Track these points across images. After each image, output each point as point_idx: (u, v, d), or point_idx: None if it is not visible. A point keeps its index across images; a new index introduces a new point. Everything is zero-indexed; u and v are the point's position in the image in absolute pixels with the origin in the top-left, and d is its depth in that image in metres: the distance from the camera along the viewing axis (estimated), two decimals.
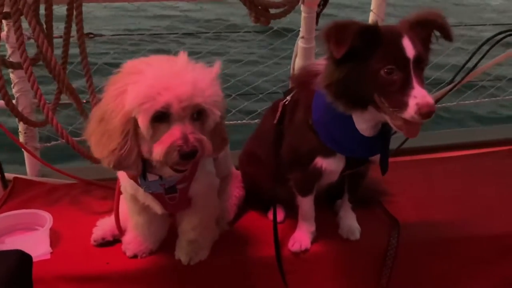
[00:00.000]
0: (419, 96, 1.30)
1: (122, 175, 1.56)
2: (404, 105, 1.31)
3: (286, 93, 1.76)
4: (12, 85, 2.37)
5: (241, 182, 1.97)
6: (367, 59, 1.34)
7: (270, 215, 1.92)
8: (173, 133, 1.27)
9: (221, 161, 1.75)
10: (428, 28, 1.42)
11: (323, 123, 1.55)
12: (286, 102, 1.72)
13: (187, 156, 1.27)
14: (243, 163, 2.01)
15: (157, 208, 1.58)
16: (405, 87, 1.32)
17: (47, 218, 1.79)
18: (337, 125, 1.52)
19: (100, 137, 1.32)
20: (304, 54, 2.47)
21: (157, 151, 1.27)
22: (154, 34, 3.17)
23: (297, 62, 2.53)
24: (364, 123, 1.50)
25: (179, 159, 1.26)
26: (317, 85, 1.51)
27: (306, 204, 1.76)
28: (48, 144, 2.57)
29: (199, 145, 1.29)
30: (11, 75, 2.36)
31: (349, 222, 1.84)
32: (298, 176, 1.72)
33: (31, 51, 1.91)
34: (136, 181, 1.50)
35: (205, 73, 1.33)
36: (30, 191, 2.16)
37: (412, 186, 2.13)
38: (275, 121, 1.73)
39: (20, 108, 2.35)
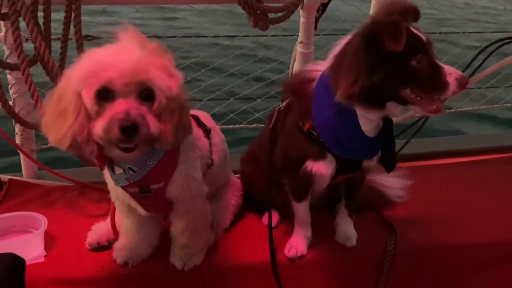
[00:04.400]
0: (452, 72, 1.36)
1: (106, 174, 1.54)
2: (444, 85, 1.36)
3: (282, 100, 1.76)
4: (9, 86, 2.37)
5: (239, 191, 1.97)
6: (395, 56, 1.34)
7: (264, 219, 1.93)
8: (115, 108, 1.26)
9: (217, 169, 1.74)
10: (407, 14, 1.44)
11: (328, 128, 1.55)
12: (281, 108, 1.74)
13: (128, 130, 1.24)
14: (243, 162, 2.03)
15: (139, 208, 1.57)
16: (436, 70, 1.37)
17: (42, 220, 1.78)
18: (343, 129, 1.53)
19: (54, 119, 1.32)
20: (303, 59, 2.47)
21: (98, 127, 1.26)
22: (157, 36, 3.16)
23: (296, 67, 2.53)
24: (369, 123, 1.52)
25: (119, 133, 1.24)
26: (319, 89, 1.51)
27: (301, 209, 1.76)
28: (44, 146, 2.56)
29: (142, 120, 1.26)
30: (8, 76, 2.35)
31: (346, 228, 1.83)
32: (291, 181, 1.73)
33: (29, 53, 1.91)
34: (110, 173, 1.48)
35: (155, 51, 1.33)
36: (25, 193, 2.14)
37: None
38: (270, 126, 1.75)
39: (17, 110, 2.34)
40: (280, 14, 2.05)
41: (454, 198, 2.18)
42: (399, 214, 2.01)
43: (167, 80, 1.32)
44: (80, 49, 1.90)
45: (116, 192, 1.57)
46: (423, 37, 1.39)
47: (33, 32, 1.66)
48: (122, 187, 1.49)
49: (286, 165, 1.69)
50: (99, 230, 1.78)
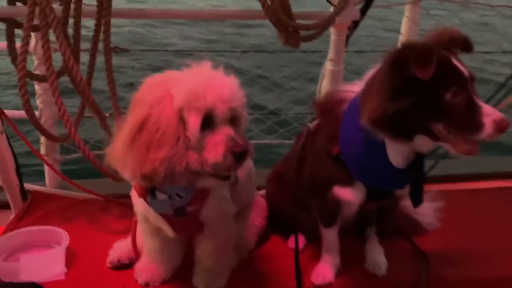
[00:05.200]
0: (491, 113, 1.24)
1: (133, 194, 1.50)
2: (479, 126, 1.24)
3: (312, 120, 1.71)
4: (36, 96, 2.37)
5: (264, 211, 1.91)
6: (426, 85, 1.25)
7: (290, 242, 1.87)
8: (222, 136, 1.24)
9: (241, 187, 1.68)
10: (454, 45, 1.35)
11: (353, 154, 1.48)
12: (311, 128, 1.68)
13: (240, 157, 1.24)
14: (270, 181, 1.97)
15: (168, 230, 1.52)
16: (473, 108, 1.26)
17: (64, 236, 1.74)
18: (369, 157, 1.46)
19: (145, 150, 1.22)
20: (332, 77, 2.41)
21: (213, 155, 1.23)
22: (180, 50, 3.15)
23: (324, 85, 2.47)
24: (399, 155, 1.43)
25: (233, 161, 1.23)
26: (349, 112, 1.44)
27: (329, 235, 1.69)
28: (69, 157, 2.55)
29: (247, 145, 1.26)
30: (36, 86, 2.36)
31: (376, 256, 1.75)
32: (319, 205, 1.66)
33: (57, 64, 1.89)
34: (145, 200, 1.44)
35: (232, 78, 1.31)
36: (48, 206, 2.12)
37: (442, 220, 2.02)
38: (298, 147, 1.69)
39: (43, 120, 2.35)
40: (312, 32, 1.99)
41: (492, 227, 2.06)
42: (432, 243, 1.91)
43: (244, 103, 1.33)
44: (108, 62, 1.89)
45: (145, 215, 1.52)
46: (464, 70, 1.29)
47: (62, 46, 1.64)
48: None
49: (313, 188, 1.63)
50: (120, 248, 1.73)
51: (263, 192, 2.03)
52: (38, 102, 2.39)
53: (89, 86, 1.88)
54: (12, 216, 2.14)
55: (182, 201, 1.40)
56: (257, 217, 1.87)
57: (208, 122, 1.24)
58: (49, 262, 1.67)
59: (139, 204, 1.49)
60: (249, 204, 1.84)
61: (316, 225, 1.72)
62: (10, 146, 2.17)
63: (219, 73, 1.30)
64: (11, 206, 2.25)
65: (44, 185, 2.50)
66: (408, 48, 1.28)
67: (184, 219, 1.45)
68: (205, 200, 1.45)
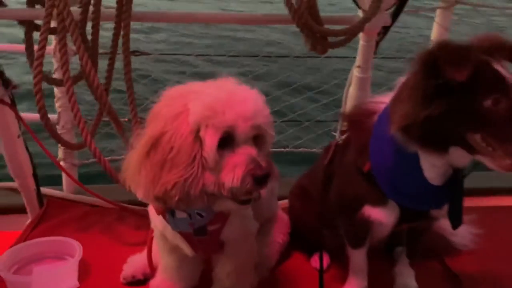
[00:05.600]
0: None
1: (151, 210, 1.41)
2: None
3: (341, 132, 1.60)
4: (55, 100, 2.32)
5: (287, 227, 1.81)
6: (469, 90, 1.13)
7: (314, 261, 1.77)
8: (242, 157, 1.13)
9: (264, 202, 1.58)
10: (497, 52, 1.21)
11: (384, 168, 1.36)
12: (339, 142, 1.57)
13: (261, 181, 1.13)
14: (293, 195, 1.87)
15: (186, 249, 1.42)
16: None
17: (77, 248, 1.67)
18: (401, 172, 1.34)
19: (158, 170, 1.13)
20: (359, 84, 2.30)
21: (231, 178, 1.12)
22: (201, 55, 3.08)
23: (351, 93, 2.36)
24: (434, 170, 1.30)
25: (252, 185, 1.12)
26: (379, 123, 1.34)
27: (357, 257, 1.58)
28: (86, 162, 2.49)
29: (270, 168, 1.15)
30: (55, 90, 2.31)
31: (406, 279, 1.63)
32: (346, 225, 1.55)
33: (76, 67, 1.83)
34: (164, 217, 1.35)
35: (257, 93, 1.21)
36: (63, 214, 2.06)
37: (476, 239, 1.88)
38: (326, 161, 1.59)
39: (61, 123, 2.30)
40: (340, 38, 1.88)
41: None
42: (466, 265, 1.78)
43: (270, 120, 1.22)
44: (127, 66, 1.81)
45: (163, 232, 1.43)
46: (508, 76, 1.15)
47: (79, 49, 1.57)
48: None
49: (341, 206, 1.52)
50: (135, 263, 1.66)
51: (284, 202, 1.93)
52: (57, 105, 2.33)
53: (107, 91, 1.81)
54: (28, 221, 2.09)
55: (203, 220, 1.31)
56: (279, 234, 1.77)
57: (228, 141, 1.14)
58: (61, 276, 1.60)
59: (157, 220, 1.41)
60: (270, 220, 1.74)
61: (342, 244, 1.61)
62: (28, 150, 2.13)
63: (242, 87, 1.20)
64: (28, 210, 2.21)
65: (61, 189, 2.45)
66: (441, 46, 1.15)
67: (204, 239, 1.36)
68: (227, 219, 1.35)
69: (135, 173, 1.17)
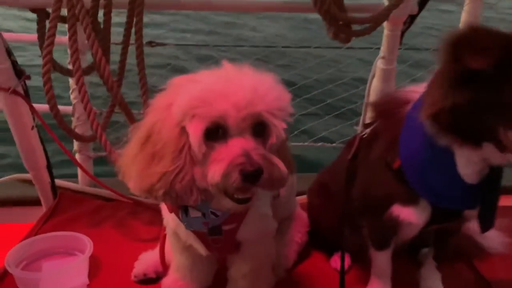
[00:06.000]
0: None
1: (164, 208, 1.34)
2: None
3: (365, 126, 1.50)
4: (70, 91, 2.28)
5: (305, 226, 1.71)
6: (498, 80, 1.04)
7: (333, 261, 1.69)
8: (232, 149, 1.03)
9: (283, 200, 1.50)
10: None
11: (414, 162, 1.26)
12: (364, 136, 1.47)
13: (251, 178, 1.01)
14: (312, 192, 1.78)
15: (200, 248, 1.35)
16: None
17: (87, 244, 1.61)
18: (433, 167, 1.23)
19: (147, 163, 1.08)
20: (383, 76, 2.19)
21: (214, 172, 1.03)
22: (220, 45, 2.99)
23: (374, 85, 2.25)
24: (469, 166, 1.19)
25: (240, 181, 1.01)
26: (412, 113, 1.23)
27: (381, 259, 1.48)
28: (102, 154, 2.45)
29: (266, 163, 1.03)
30: (70, 81, 2.26)
31: (432, 283, 1.53)
32: (371, 225, 1.45)
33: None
34: (177, 215, 1.28)
35: (266, 77, 1.09)
36: (75, 208, 2.02)
37: (508, 242, 1.77)
38: (349, 156, 1.48)
39: (76, 115, 2.26)
40: (364, 26, 1.78)
41: None
42: (496, 269, 1.67)
43: (281, 107, 1.08)
44: (140, 57, 1.74)
45: (176, 231, 1.36)
46: None
47: (90, 38, 1.51)
48: None
49: (365, 205, 1.42)
50: (146, 261, 1.59)
51: (302, 198, 1.84)
52: (72, 97, 2.29)
53: (119, 84, 1.74)
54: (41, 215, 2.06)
55: (218, 219, 1.23)
56: (297, 232, 1.68)
57: (218, 133, 1.04)
58: (71, 273, 1.54)
59: (169, 218, 1.33)
60: (289, 218, 1.66)
61: (365, 244, 1.52)
62: (42, 142, 2.09)
63: (245, 73, 1.08)
64: (42, 202, 2.19)
65: (77, 181, 2.41)
66: (468, 30, 1.05)
67: (219, 238, 1.28)
68: (243, 219, 1.27)
69: (128, 166, 1.12)
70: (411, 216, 1.29)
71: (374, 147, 1.39)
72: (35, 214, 2.08)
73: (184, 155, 1.06)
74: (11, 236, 1.88)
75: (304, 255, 1.72)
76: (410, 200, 1.28)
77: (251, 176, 1.01)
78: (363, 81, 2.34)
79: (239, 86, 1.04)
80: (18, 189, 2.32)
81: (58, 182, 2.23)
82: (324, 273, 1.65)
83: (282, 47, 3.02)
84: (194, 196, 1.10)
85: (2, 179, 2.42)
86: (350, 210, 1.48)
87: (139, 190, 1.12)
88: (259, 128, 1.07)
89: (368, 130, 1.46)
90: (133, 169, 1.11)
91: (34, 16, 1.86)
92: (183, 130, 1.06)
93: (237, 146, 1.03)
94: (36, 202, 2.20)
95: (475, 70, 1.02)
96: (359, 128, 2.36)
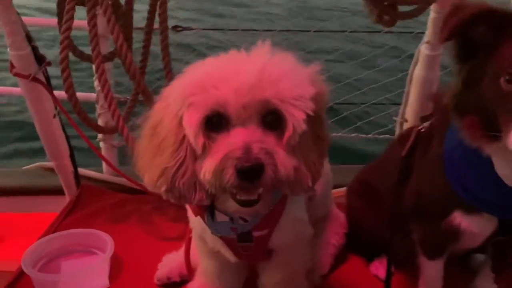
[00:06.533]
0: None
1: (188, 208, 1.22)
2: None
3: (422, 118, 1.33)
4: (94, 78, 2.18)
5: (343, 228, 1.56)
6: (485, 58, 0.97)
7: (374, 267, 1.54)
8: (231, 141, 0.90)
9: (318, 200, 1.36)
10: None
11: (451, 158, 1.12)
12: (422, 130, 1.30)
13: (248, 175, 0.87)
14: (352, 192, 1.61)
15: (228, 255, 1.22)
16: None
17: (108, 243, 1.52)
18: (467, 166, 1.09)
19: (153, 155, 0.99)
20: (427, 62, 2.00)
21: (205, 168, 0.91)
22: (249, 30, 2.84)
23: (417, 72, 2.07)
24: (507, 165, 1.03)
25: (236, 179, 0.87)
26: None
27: (431, 269, 1.32)
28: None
29: (267, 159, 0.88)
30: (94, 66, 2.16)
31: None
32: (424, 231, 1.29)
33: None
34: (202, 219, 1.14)
35: (283, 61, 0.95)
36: (97, 202, 1.92)
37: None
38: (403, 153, 1.31)
39: (100, 102, 2.16)
40: (412, 7, 1.60)
41: None
42: None
43: (299, 94, 0.92)
44: (164, 42, 1.61)
45: (202, 235, 1.23)
46: None
47: (109, 22, 1.38)
48: None
49: (419, 209, 1.26)
50: (170, 263, 1.48)
51: (337, 191, 1.68)
52: (95, 84, 2.20)
53: (142, 71, 1.62)
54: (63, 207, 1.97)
55: (247, 225, 1.09)
56: (334, 234, 1.54)
57: (218, 123, 0.91)
58: (91, 274, 1.45)
59: (195, 221, 1.21)
60: (323, 218, 1.51)
61: (412, 251, 1.35)
62: (64, 131, 2.01)
63: (253, 55, 0.94)
64: (65, 192, 2.11)
65: (101, 170, 2.33)
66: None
67: (249, 246, 1.15)
68: (276, 224, 1.13)
69: (140, 158, 1.03)
70: (474, 226, 1.13)
71: (432, 144, 1.22)
72: (60, 204, 2.01)
73: (185, 148, 0.95)
74: (34, 226, 1.80)
75: (341, 259, 1.57)
76: (474, 208, 1.12)
77: (248, 173, 0.86)
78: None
79: (243, 69, 0.91)
80: (43, 178, 2.25)
81: (82, 171, 2.16)
82: (363, 280, 1.51)
83: (314, 31, 2.83)
84: (198, 194, 0.98)
85: (26, 167, 2.38)
86: (400, 213, 1.32)
87: (150, 186, 1.02)
88: (272, 119, 0.92)
89: (426, 124, 1.29)
90: (143, 162, 1.03)
91: None
92: (181, 121, 0.94)
93: (237, 138, 0.89)
94: (60, 192, 2.13)
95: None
96: (398, 119, 2.20)
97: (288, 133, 0.92)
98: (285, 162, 0.91)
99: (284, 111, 0.91)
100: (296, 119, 0.92)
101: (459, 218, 1.14)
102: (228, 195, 0.96)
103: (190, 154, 0.95)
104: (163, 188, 0.97)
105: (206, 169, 0.90)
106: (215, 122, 0.91)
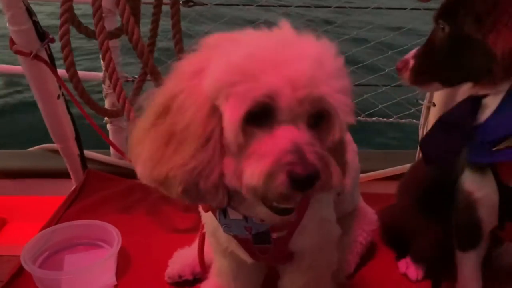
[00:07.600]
0: None
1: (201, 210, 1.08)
2: None
3: None
4: (100, 56, 2.05)
5: (372, 224, 1.43)
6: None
7: (402, 265, 1.42)
8: (279, 141, 0.75)
9: (347, 196, 1.22)
10: None
11: None
12: None
13: (302, 184, 0.73)
14: (401, 193, 1.48)
15: (244, 256, 1.09)
16: None
17: (115, 236, 1.40)
18: None
19: (162, 144, 0.81)
20: None
21: (253, 171, 0.75)
22: (265, 5, 2.66)
23: None
24: None
25: (288, 187, 0.73)
26: None
27: (466, 264, 1.19)
28: None
29: (323, 166, 0.75)
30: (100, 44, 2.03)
31: None
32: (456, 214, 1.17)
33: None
34: (214, 215, 1.01)
35: (328, 49, 0.80)
36: (103, 189, 1.81)
37: None
38: None
39: (107, 82, 2.04)
40: None
41: None
42: None
43: (347, 94, 0.78)
44: (175, 17, 1.46)
45: (215, 234, 1.10)
46: None
47: None
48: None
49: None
50: (182, 260, 1.36)
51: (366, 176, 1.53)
52: (102, 63, 2.07)
53: (151, 48, 1.48)
54: (73, 187, 1.89)
55: (263, 225, 0.96)
56: (361, 232, 1.40)
57: (264, 116, 0.76)
58: (97, 272, 1.34)
59: (207, 217, 1.07)
60: (350, 214, 1.38)
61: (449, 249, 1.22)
62: (69, 112, 1.90)
63: (302, 38, 0.79)
64: (72, 176, 2.02)
65: (109, 153, 2.21)
66: None
67: (266, 247, 1.02)
68: (297, 224, 0.99)
69: (137, 143, 0.84)
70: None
71: None
72: (66, 187, 1.94)
73: (214, 144, 0.79)
74: (39, 210, 1.74)
75: (367, 256, 1.45)
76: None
77: (303, 181, 0.73)
78: None
79: (299, 54, 0.75)
80: (48, 160, 2.16)
81: (89, 154, 2.06)
82: (391, 280, 1.39)
83: (335, 7, 2.64)
84: (220, 197, 0.83)
85: (30, 149, 2.29)
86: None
87: (149, 179, 0.84)
88: (315, 118, 0.79)
89: None
90: (144, 148, 0.83)
91: None
92: (215, 110, 0.78)
93: (286, 138, 0.75)
94: (66, 175, 2.03)
95: None
96: (425, 103, 2.05)
97: (333, 136, 0.80)
98: (337, 170, 0.78)
99: (335, 112, 0.77)
100: (343, 123, 0.79)
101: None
102: (258, 201, 0.81)
103: (219, 150, 0.79)
104: (180, 188, 0.81)
105: (255, 173, 0.75)
106: (258, 115, 0.75)
